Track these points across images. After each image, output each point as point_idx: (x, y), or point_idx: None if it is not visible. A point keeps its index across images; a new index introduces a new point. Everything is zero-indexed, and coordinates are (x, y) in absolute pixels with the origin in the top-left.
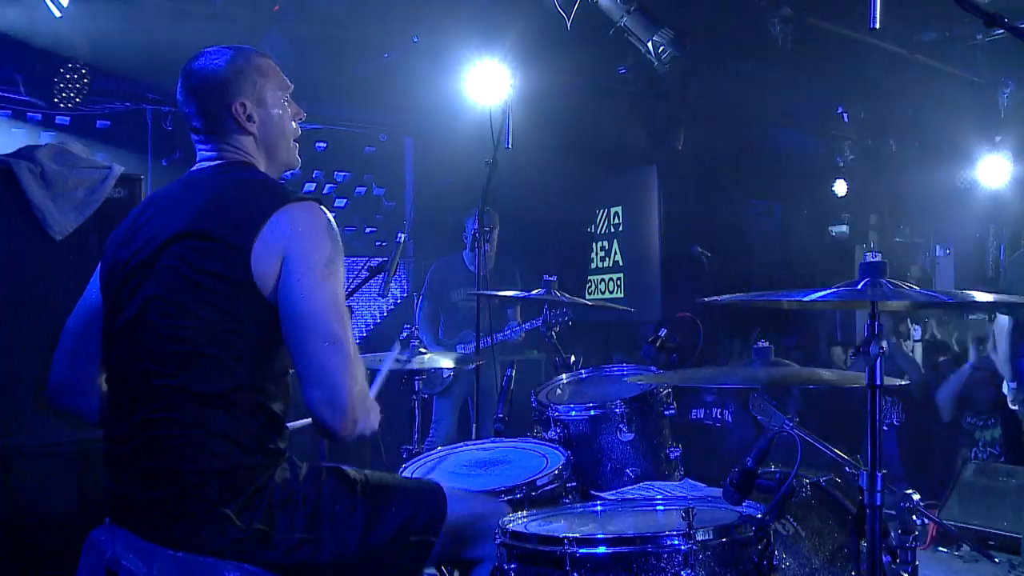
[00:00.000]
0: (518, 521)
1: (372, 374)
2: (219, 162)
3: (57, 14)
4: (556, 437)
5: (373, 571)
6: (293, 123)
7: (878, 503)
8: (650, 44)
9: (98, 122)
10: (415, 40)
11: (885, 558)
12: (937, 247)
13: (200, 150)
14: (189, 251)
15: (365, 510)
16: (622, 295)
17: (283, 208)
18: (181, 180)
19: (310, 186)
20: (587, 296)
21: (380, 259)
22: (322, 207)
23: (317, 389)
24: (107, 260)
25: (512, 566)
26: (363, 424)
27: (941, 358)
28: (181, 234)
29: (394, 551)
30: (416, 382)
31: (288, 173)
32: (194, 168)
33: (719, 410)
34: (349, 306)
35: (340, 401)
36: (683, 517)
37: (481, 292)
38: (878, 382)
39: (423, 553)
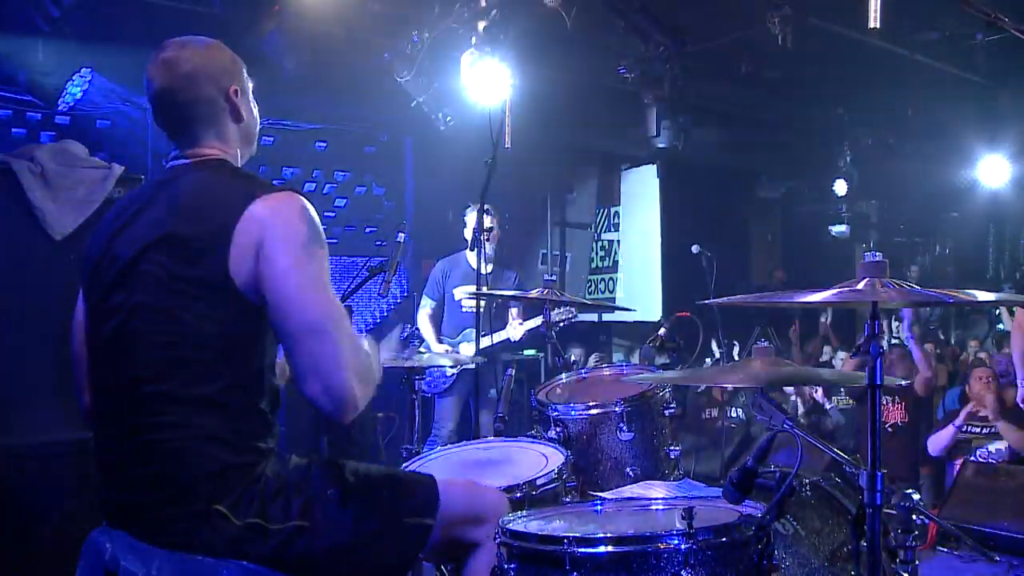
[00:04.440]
0: (518, 521)
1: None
2: (188, 160)
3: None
4: (556, 437)
5: (371, 558)
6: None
7: (878, 503)
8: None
9: (98, 122)
10: (415, 40)
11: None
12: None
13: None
14: (167, 257)
15: (358, 495)
16: (622, 295)
17: (253, 203)
18: (154, 181)
19: (310, 186)
20: (587, 296)
21: (380, 259)
22: (296, 195)
23: (312, 381)
24: (87, 268)
25: (512, 566)
26: (364, 403)
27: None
28: (158, 239)
29: (390, 535)
30: (416, 382)
31: (288, 172)
32: (167, 165)
33: (724, 409)
34: (348, 306)
35: (337, 390)
36: (683, 517)
37: (482, 292)
38: (878, 382)
39: (420, 537)
